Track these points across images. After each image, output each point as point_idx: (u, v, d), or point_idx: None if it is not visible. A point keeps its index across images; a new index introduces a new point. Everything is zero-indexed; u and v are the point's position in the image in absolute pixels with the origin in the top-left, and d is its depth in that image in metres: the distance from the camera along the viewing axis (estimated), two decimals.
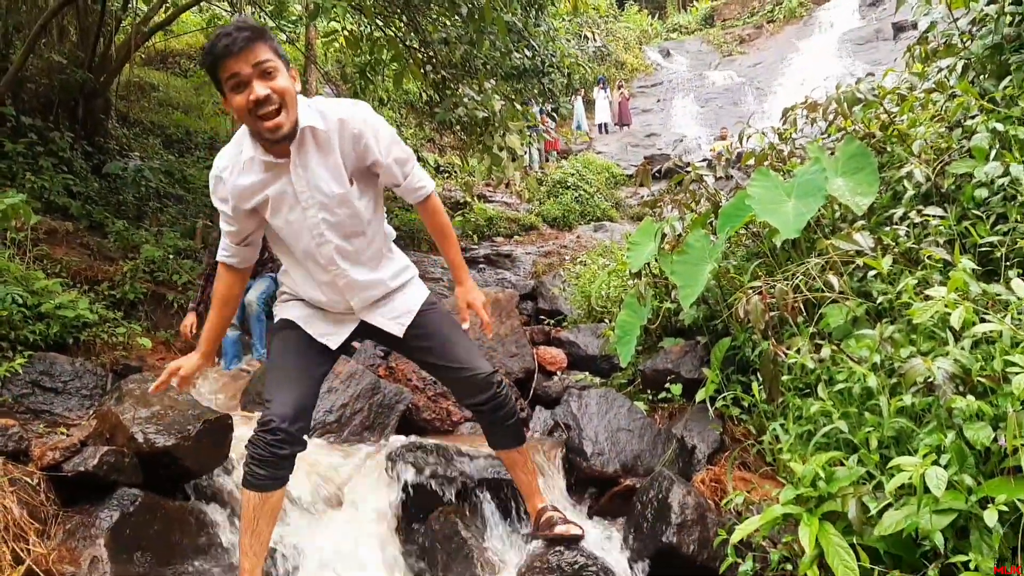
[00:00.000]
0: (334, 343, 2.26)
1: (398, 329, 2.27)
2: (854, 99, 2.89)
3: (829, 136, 3.29)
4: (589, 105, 19.91)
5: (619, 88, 20.20)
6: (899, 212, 2.55)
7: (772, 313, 2.31)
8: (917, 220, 2.38)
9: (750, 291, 2.36)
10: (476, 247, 11.67)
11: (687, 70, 23.45)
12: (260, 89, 1.85)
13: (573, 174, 14.54)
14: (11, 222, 3.80)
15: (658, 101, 21.66)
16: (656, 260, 3.55)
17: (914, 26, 20.06)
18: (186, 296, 6.49)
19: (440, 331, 2.32)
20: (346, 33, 7.87)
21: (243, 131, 2.02)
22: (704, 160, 16.03)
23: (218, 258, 2.24)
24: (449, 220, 2.42)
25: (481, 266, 10.92)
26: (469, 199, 13.57)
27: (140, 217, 7.92)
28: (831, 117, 3.21)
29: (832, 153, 2.91)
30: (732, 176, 3.77)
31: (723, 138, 17.92)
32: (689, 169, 3.45)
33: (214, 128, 12.35)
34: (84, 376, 3.69)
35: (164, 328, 6.10)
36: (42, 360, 3.62)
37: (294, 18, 13.04)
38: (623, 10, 27.38)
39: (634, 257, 3.71)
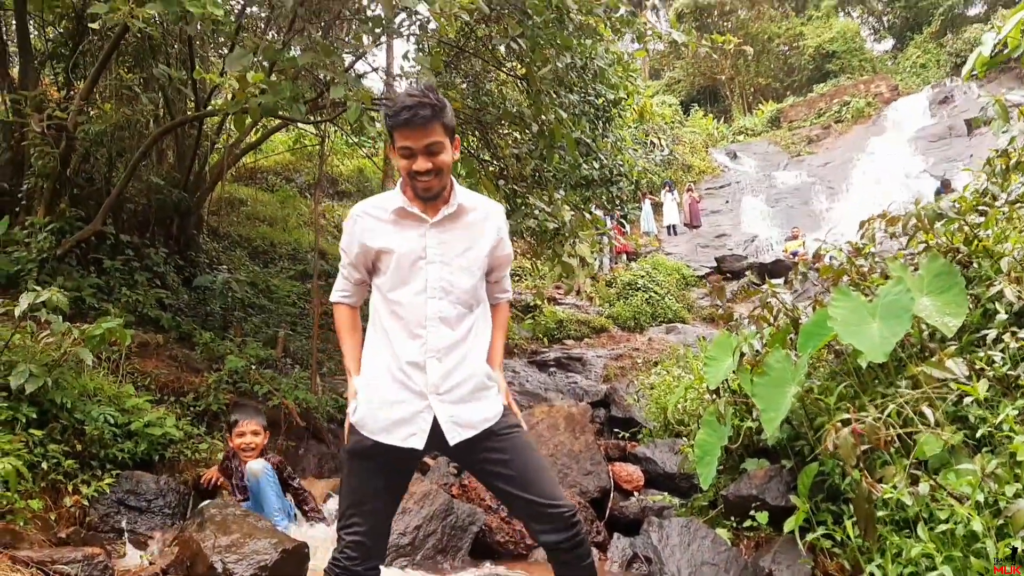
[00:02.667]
0: (419, 442, 2.17)
1: (454, 436, 2.18)
2: (935, 215, 2.84)
3: (909, 250, 3.21)
4: (657, 207, 20.09)
5: (689, 191, 20.36)
6: (992, 334, 2.44)
7: (864, 447, 2.21)
8: (1014, 345, 2.27)
9: (839, 424, 2.27)
10: (547, 350, 11.65)
11: (755, 171, 23.53)
12: (423, 164, 2.10)
13: (643, 276, 14.52)
14: (107, 344, 4.00)
15: (726, 202, 21.70)
16: (734, 377, 3.47)
17: (987, 123, 19.77)
18: (266, 406, 6.64)
19: (522, 457, 2.22)
20: None
21: (397, 186, 2.27)
22: (777, 260, 15.85)
23: (335, 299, 2.41)
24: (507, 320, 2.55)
25: (552, 369, 10.85)
26: (539, 302, 13.66)
27: (225, 327, 8.23)
28: (911, 231, 3.15)
29: (915, 270, 2.84)
30: (808, 288, 3.70)
31: (795, 237, 17.74)
32: (765, 286, 3.40)
33: (297, 239, 12.93)
34: (167, 494, 3.77)
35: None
36: (128, 479, 3.72)
37: (374, 134, 13.79)
38: (688, 115, 27.91)
39: (711, 373, 3.64)
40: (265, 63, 4.82)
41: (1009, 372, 2.21)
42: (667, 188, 19.98)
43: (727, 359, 3.60)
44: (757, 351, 3.18)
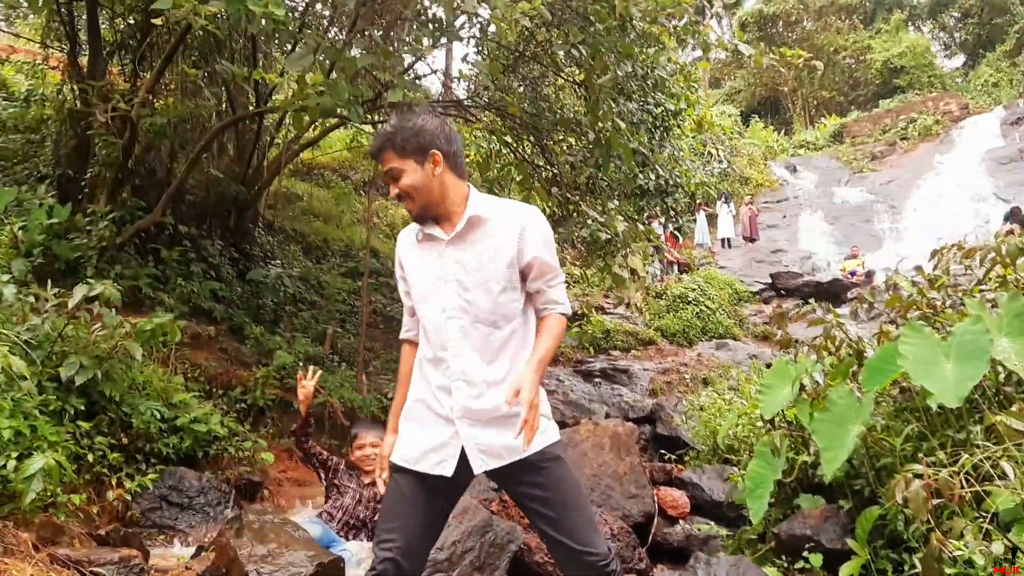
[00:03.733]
0: (448, 469, 2.09)
1: (478, 464, 2.08)
2: (1019, 250, 2.66)
3: (986, 285, 3.03)
4: (711, 219, 19.74)
5: (748, 203, 19.97)
6: None
7: (936, 500, 2.06)
8: None
9: (910, 476, 2.12)
10: (593, 360, 11.50)
11: (815, 186, 22.97)
12: (392, 190, 2.16)
13: (695, 289, 14.24)
14: (158, 339, 4.04)
15: (784, 217, 21.22)
16: (791, 408, 3.33)
17: None
18: (312, 404, 6.66)
19: (560, 494, 2.10)
20: (475, 154, 8.21)
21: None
22: (834, 280, 15.41)
23: (403, 336, 2.38)
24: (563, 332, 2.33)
25: (597, 380, 10.69)
26: (587, 311, 13.50)
27: (276, 321, 8.31)
28: (989, 264, 2.96)
29: (993, 308, 2.66)
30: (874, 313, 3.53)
31: (854, 257, 17.23)
32: (829, 315, 3.24)
33: (350, 236, 13.03)
34: (209, 492, 3.78)
35: (288, 435, 6.25)
36: (172, 475, 3.74)
37: None
38: (748, 126, 27.42)
39: (767, 402, 3.49)
40: (325, 63, 4.82)
41: None
42: (723, 200, 19.62)
43: (784, 388, 3.44)
44: (818, 383, 3.03)
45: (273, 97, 8.99)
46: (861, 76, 29.26)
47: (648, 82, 6.73)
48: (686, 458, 5.37)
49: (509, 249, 2.16)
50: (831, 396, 2.78)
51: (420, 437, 2.13)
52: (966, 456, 2.15)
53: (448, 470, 2.09)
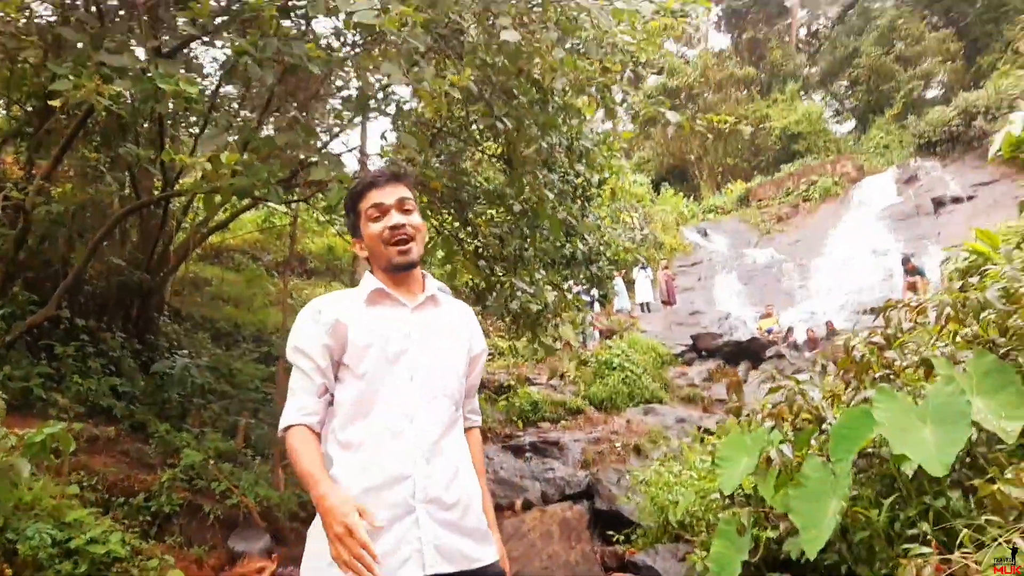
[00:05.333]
0: (416, 568, 1.78)
1: (433, 563, 1.79)
2: (980, 307, 2.59)
3: (942, 342, 2.96)
4: (629, 285, 19.99)
5: (664, 268, 20.35)
6: None
7: None
8: None
9: (920, 560, 1.95)
10: (521, 434, 11.19)
11: (726, 248, 23.72)
12: (398, 218, 1.96)
13: (619, 354, 14.21)
14: (49, 452, 3.57)
15: (699, 279, 21.73)
16: (754, 483, 3.15)
17: (955, 200, 20.34)
18: (224, 506, 6.14)
19: None
20: None
21: (364, 280, 2.06)
22: (752, 338, 15.69)
23: (294, 420, 1.90)
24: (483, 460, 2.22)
25: (527, 454, 10.38)
26: (514, 382, 13.26)
27: (183, 416, 7.76)
28: (943, 321, 2.90)
29: (958, 366, 2.57)
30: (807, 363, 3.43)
31: (768, 315, 17.70)
32: (784, 380, 3.10)
33: (262, 320, 12.49)
34: None
35: (198, 543, 5.70)
36: None
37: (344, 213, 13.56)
38: (659, 193, 28.28)
39: (725, 476, 3.31)
40: (238, 143, 4.58)
41: None
42: (640, 266, 19.94)
43: (742, 459, 3.28)
44: (784, 454, 2.86)
45: (181, 180, 8.62)
46: (762, 143, 30.76)
47: (574, 153, 6.71)
48: (633, 537, 5.13)
49: (466, 341, 2.07)
50: (805, 470, 2.61)
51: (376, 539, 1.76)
52: (967, 532, 1.99)
53: (418, 570, 1.77)
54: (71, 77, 3.15)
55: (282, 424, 1.91)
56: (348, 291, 2.08)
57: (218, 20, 4.23)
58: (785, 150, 29.78)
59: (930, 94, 28.89)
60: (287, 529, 6.49)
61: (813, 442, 3.08)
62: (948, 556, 1.91)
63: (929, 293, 13.87)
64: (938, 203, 20.44)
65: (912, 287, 15.47)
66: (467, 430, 2.12)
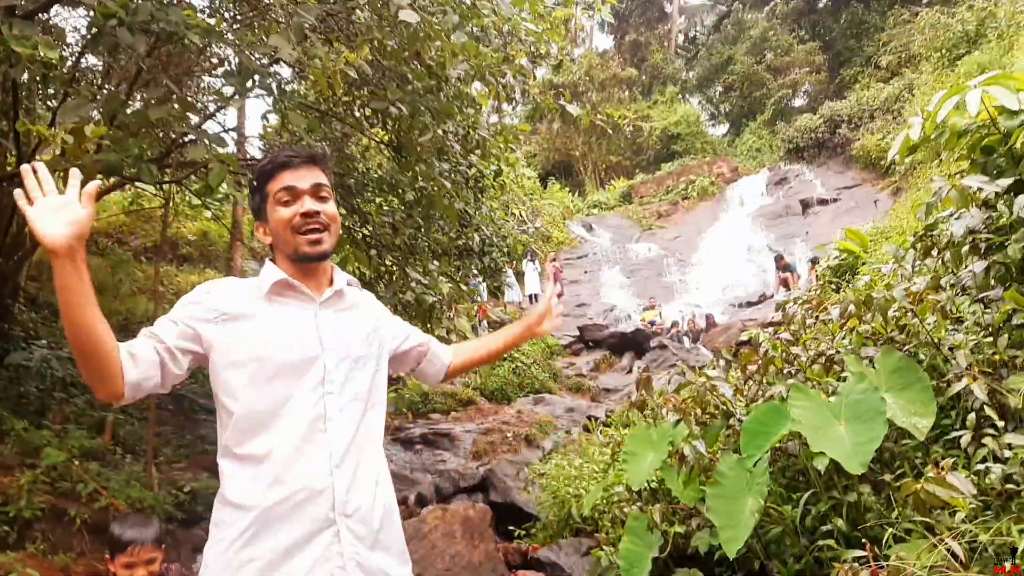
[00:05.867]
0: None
1: None
2: (887, 305, 2.64)
3: (846, 339, 3.02)
4: (519, 276, 20.10)
5: (552, 260, 20.55)
6: (966, 437, 2.21)
7: None
8: (1006, 453, 2.05)
9: (854, 563, 1.93)
10: (411, 425, 11.03)
11: (610, 243, 24.24)
12: (311, 204, 1.79)
13: None
14: None
15: (585, 272, 22.11)
16: (662, 477, 3.12)
17: (821, 202, 21.68)
18: (91, 509, 5.67)
19: None
20: None
21: (266, 265, 1.86)
22: (637, 329, 16.09)
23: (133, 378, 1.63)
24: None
25: (418, 447, 10.23)
26: (403, 375, 13.01)
27: (43, 412, 7.12)
28: (845, 317, 2.96)
29: (868, 363, 2.62)
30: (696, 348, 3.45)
31: (652, 307, 18.22)
32: (702, 379, 3.08)
33: (129, 308, 11.64)
34: None
35: (64, 550, 5.23)
36: None
37: (220, 196, 12.85)
38: (546, 187, 28.58)
39: (632, 471, 3.27)
40: (105, 116, 4.14)
41: (1010, 486, 1.98)
42: (529, 257, 20.06)
43: (648, 455, 3.25)
44: (699, 451, 2.84)
45: (39, 156, 7.83)
46: (643, 142, 31.66)
47: (468, 142, 6.55)
48: (532, 531, 5.06)
49: (371, 328, 1.91)
50: (720, 467, 2.59)
51: (288, 556, 1.59)
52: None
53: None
54: None
55: None
56: (244, 280, 1.85)
57: None
58: (665, 149, 30.80)
59: (797, 102, 30.65)
60: (162, 532, 6.08)
61: (720, 437, 3.08)
62: (880, 560, 1.91)
63: (800, 288, 14.68)
64: (805, 204, 21.65)
65: (784, 283, 16.31)
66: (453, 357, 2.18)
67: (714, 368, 3.38)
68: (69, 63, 7.55)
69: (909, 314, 2.73)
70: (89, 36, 5.18)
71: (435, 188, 5.94)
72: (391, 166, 7.31)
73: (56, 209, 1.50)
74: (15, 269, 8.06)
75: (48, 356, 7.85)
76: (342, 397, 1.75)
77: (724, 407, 3.02)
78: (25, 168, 1.53)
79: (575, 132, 30.55)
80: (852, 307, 2.80)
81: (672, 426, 3.26)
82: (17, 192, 1.52)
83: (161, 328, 1.70)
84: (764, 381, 3.14)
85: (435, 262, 7.62)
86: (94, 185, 1.53)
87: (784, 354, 3.07)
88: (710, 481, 2.60)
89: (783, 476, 2.77)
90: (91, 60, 8.50)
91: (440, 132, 6.03)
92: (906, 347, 2.73)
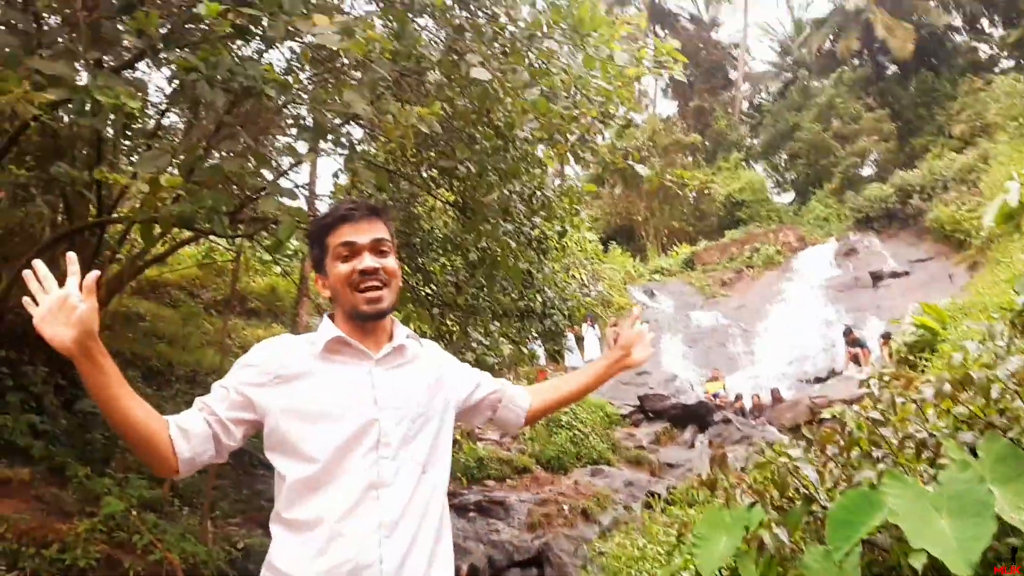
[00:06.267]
0: None
1: None
2: (989, 385, 2.41)
3: (942, 422, 2.77)
4: (579, 341, 19.84)
5: (612, 326, 20.28)
6: None
7: None
8: None
9: None
10: (465, 491, 10.81)
11: (672, 310, 23.85)
12: (371, 261, 1.72)
13: (567, 412, 13.97)
14: None
15: None
16: (735, 565, 2.88)
17: (892, 275, 20.96)
18: (146, 561, 5.65)
19: None
20: None
21: (324, 321, 1.80)
22: (700, 402, 15.59)
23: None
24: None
25: (471, 514, 10.00)
26: (459, 438, 12.87)
27: (107, 459, 7.21)
28: (940, 398, 2.72)
29: (968, 450, 2.38)
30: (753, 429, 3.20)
31: (715, 379, 17.70)
32: (783, 459, 2.86)
33: (198, 360, 11.86)
34: None
35: None
36: None
37: (289, 252, 13.12)
38: (607, 252, 28.49)
39: (703, 557, 3.03)
40: (182, 168, 4.24)
41: None
42: (589, 322, 19.84)
43: (721, 539, 3.01)
44: (780, 539, 2.61)
45: (119, 207, 8.15)
46: (707, 208, 31.42)
47: (536, 202, 6.54)
48: None
49: (439, 385, 1.83)
50: (807, 560, 2.35)
51: None
52: None
53: None
54: None
55: None
56: (300, 338, 1.79)
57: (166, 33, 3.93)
58: (729, 216, 30.47)
59: (866, 171, 30.11)
60: None
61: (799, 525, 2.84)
62: None
63: (873, 364, 14.07)
64: (876, 276, 20.97)
65: (855, 358, 15.69)
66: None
67: (794, 447, 3.15)
68: (152, 121, 7.89)
69: (1008, 396, 2.49)
70: (172, 93, 5.38)
71: (499, 248, 5.92)
72: (456, 225, 7.35)
73: (58, 308, 1.47)
74: None
75: None
76: (397, 461, 1.65)
77: (806, 491, 2.79)
78: (27, 273, 1.50)
79: (638, 197, 30.52)
80: (948, 386, 2.58)
81: (747, 509, 3.03)
82: (25, 299, 1.51)
83: (214, 399, 1.67)
84: (848, 464, 2.90)
85: (496, 323, 7.56)
86: (93, 276, 1.49)
87: (870, 435, 2.84)
88: (794, 575, 2.37)
89: (870, 572, 2.52)
90: (173, 119, 8.89)
91: (506, 192, 6.04)
92: (1008, 433, 2.49)
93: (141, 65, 5.02)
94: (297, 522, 1.58)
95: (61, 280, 1.49)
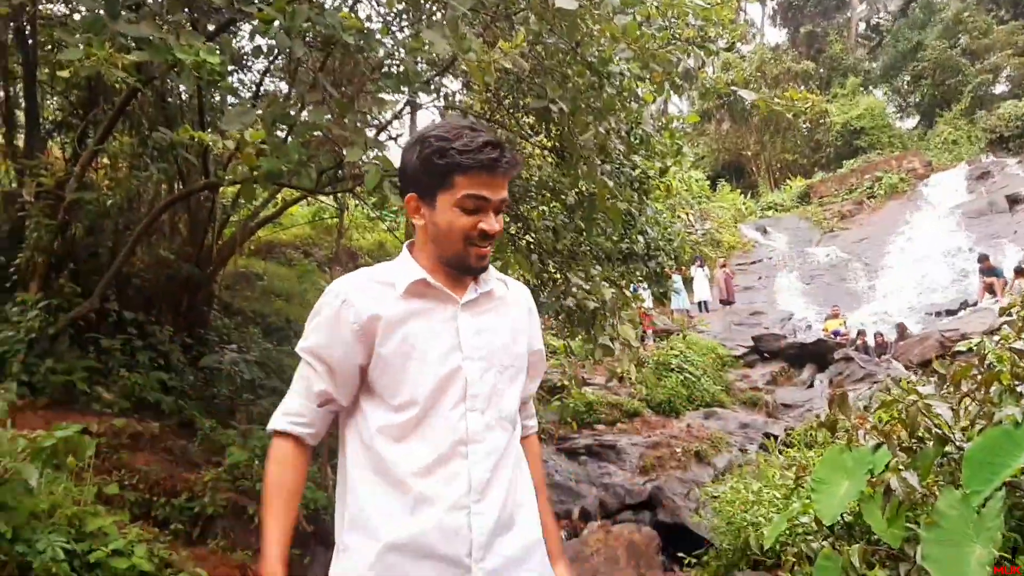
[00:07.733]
0: None
1: None
2: None
3: None
4: (687, 283, 19.34)
5: (723, 265, 19.65)
6: None
7: None
8: None
9: None
10: (576, 436, 10.80)
11: (787, 247, 22.85)
12: (495, 224, 1.53)
13: (677, 355, 13.69)
14: (66, 457, 3.27)
15: (759, 278, 20.95)
16: (855, 508, 2.68)
17: None
18: None
19: None
20: None
21: (403, 254, 1.63)
22: (818, 340, 14.92)
23: (280, 426, 1.60)
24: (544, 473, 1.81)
25: (583, 458, 10.03)
26: (567, 383, 12.84)
27: (231, 412, 7.58)
28: None
29: None
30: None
31: (835, 316, 16.85)
32: (912, 396, 2.60)
33: None
34: None
35: (241, 547, 5.46)
36: None
37: (395, 209, 13.33)
38: (715, 190, 27.52)
39: (823, 503, 2.84)
40: (266, 121, 4.25)
41: None
42: (697, 263, 19.26)
43: (843, 483, 2.81)
44: (910, 484, 2.38)
45: (228, 169, 8.44)
46: (822, 138, 29.71)
47: (634, 139, 6.25)
48: (704, 558, 4.67)
49: (526, 332, 1.66)
50: (940, 506, 2.13)
51: None
52: None
53: None
54: (81, 46, 2.85)
55: (269, 426, 1.62)
56: (378, 272, 1.61)
57: None
58: (847, 146, 28.73)
59: (999, 89, 27.62)
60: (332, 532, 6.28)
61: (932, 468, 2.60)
62: None
63: (1011, 295, 13.00)
64: (1013, 200, 19.29)
65: (990, 288, 14.56)
66: (524, 438, 1.74)
67: (925, 384, 2.88)
68: (251, 88, 8.07)
69: None
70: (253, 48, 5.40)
71: (597, 189, 5.70)
72: (552, 170, 7.17)
73: None
74: (210, 278, 8.69)
75: (237, 360, 8.38)
76: (487, 415, 1.53)
77: (938, 431, 2.54)
78: None
79: (747, 131, 29.21)
80: None
81: (871, 451, 2.80)
82: None
83: (319, 382, 1.58)
84: (987, 401, 2.61)
85: (598, 267, 7.38)
86: None
87: (1013, 367, 2.54)
88: (927, 522, 2.15)
89: (1011, 517, 2.26)
90: (279, 85, 9.08)
91: (602, 130, 5.79)
92: None
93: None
94: (385, 475, 1.49)
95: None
